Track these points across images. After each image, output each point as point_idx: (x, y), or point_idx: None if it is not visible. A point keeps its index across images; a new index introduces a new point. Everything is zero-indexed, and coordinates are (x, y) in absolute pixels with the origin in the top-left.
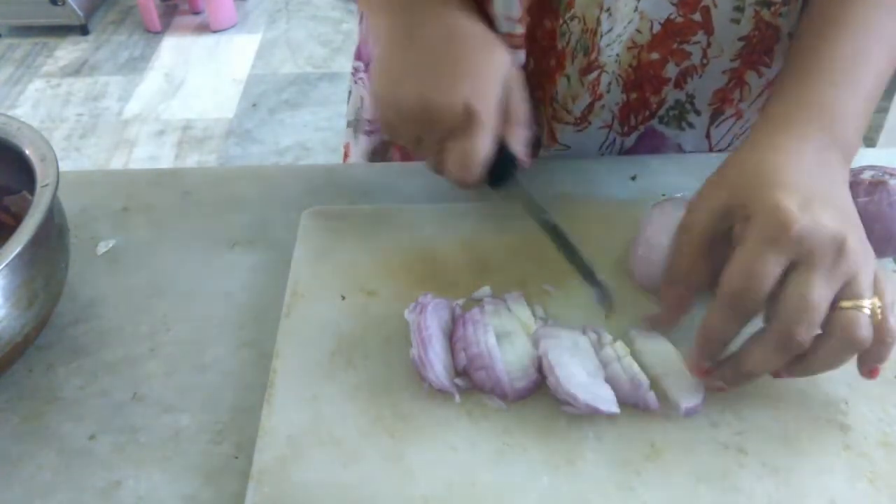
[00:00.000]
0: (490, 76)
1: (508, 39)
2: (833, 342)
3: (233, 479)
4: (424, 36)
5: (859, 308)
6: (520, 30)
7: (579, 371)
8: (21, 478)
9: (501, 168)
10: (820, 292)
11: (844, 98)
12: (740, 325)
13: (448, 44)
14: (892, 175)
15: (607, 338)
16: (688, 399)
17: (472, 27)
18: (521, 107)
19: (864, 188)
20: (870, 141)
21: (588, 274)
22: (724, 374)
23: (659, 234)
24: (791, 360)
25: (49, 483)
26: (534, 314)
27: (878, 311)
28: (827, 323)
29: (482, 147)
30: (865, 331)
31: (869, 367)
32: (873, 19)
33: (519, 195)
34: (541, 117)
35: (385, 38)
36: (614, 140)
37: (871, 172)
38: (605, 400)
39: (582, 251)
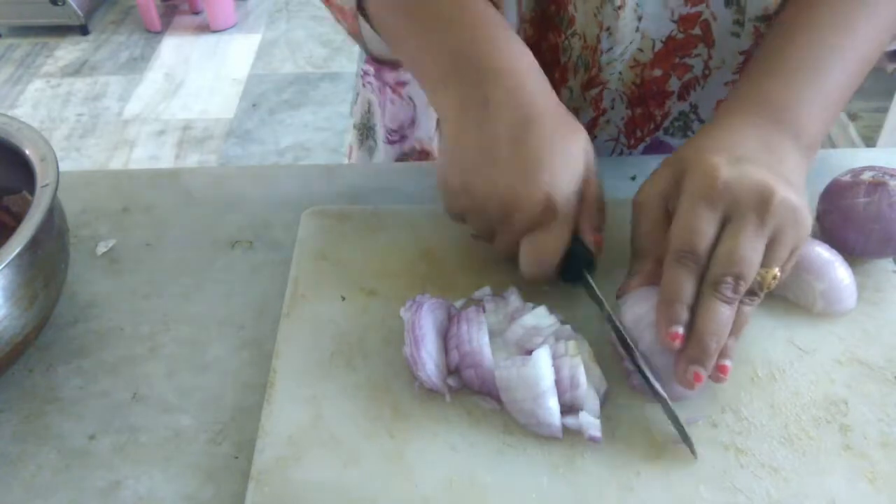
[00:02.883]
0: (570, 165)
1: None
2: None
3: (233, 479)
4: (499, 118)
5: (765, 275)
6: None
7: (525, 390)
8: (21, 478)
9: (575, 260)
10: (749, 244)
11: (798, 88)
12: (691, 281)
13: (525, 129)
14: (892, 175)
15: (570, 341)
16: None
17: (547, 104)
18: (597, 191)
19: (864, 189)
20: (870, 141)
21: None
22: (689, 353)
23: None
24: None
25: (49, 483)
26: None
27: (771, 282)
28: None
29: (559, 243)
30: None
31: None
32: (845, 17)
33: (588, 291)
34: None
35: (454, 118)
36: (621, 152)
37: (871, 173)
38: (549, 426)
39: (656, 384)
